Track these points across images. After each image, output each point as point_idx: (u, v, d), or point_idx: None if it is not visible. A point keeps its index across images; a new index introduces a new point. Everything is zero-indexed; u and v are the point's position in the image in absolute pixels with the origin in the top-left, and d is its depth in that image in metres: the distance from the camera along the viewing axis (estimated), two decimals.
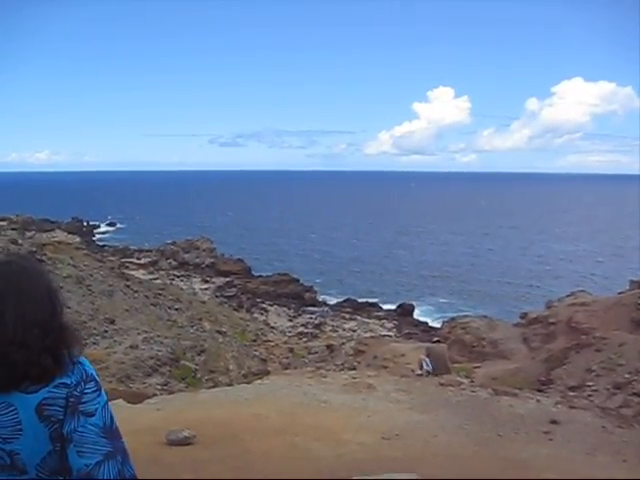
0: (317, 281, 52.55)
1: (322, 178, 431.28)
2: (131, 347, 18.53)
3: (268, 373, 19.22)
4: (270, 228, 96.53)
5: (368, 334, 35.66)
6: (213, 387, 15.30)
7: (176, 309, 27.70)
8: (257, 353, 25.59)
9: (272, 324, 38.47)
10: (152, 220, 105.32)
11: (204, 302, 34.78)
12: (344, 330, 38.28)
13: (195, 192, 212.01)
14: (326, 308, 44.44)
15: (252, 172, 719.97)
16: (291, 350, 28.75)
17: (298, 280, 49.03)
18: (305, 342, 33.48)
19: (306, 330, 37.83)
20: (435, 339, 14.09)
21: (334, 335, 36.32)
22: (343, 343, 28.20)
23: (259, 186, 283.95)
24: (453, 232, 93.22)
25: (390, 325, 40.53)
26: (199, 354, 20.63)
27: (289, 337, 35.05)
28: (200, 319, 27.54)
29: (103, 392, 1.68)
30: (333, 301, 47.29)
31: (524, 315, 26.11)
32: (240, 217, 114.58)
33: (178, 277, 50.03)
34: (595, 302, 23.48)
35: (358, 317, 41.80)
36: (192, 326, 25.75)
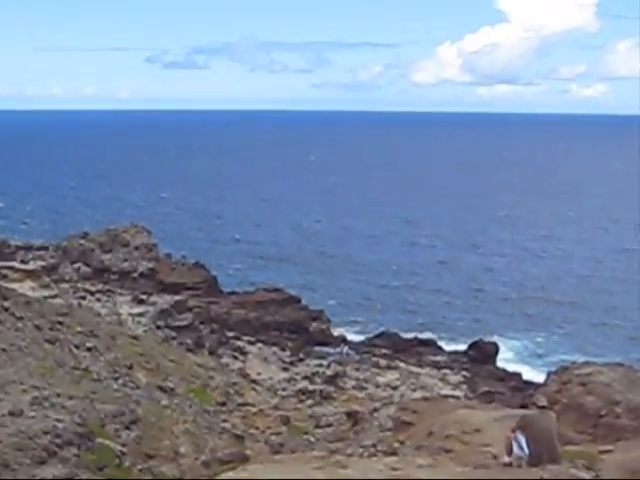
0: (330, 303, 52.75)
1: (339, 123, 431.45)
2: (11, 414, 18.60)
3: (247, 460, 19.27)
4: (247, 212, 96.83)
5: (419, 393, 35.68)
6: None
7: (89, 349, 27.82)
8: (228, 425, 25.65)
9: (254, 375, 38.60)
10: (47, 196, 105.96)
11: (137, 337, 34.91)
12: (378, 387, 38.39)
13: (121, 146, 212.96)
14: (346, 348, 44.54)
15: (218, 112, 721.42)
16: (286, 421, 28.82)
17: (299, 300, 49.14)
18: (310, 407, 33.55)
19: (312, 386, 37.96)
20: (535, 402, 13.94)
21: (360, 395, 36.40)
22: (376, 409, 28.25)
23: (229, 136, 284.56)
24: (565, 220, 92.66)
25: (457, 378, 40.59)
26: (128, 427, 20.65)
27: (283, 398, 35.11)
28: (130, 366, 27.65)
29: None
30: (359, 337, 47.40)
31: None
32: (196, 192, 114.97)
33: (92, 294, 50.22)
34: None
35: (402, 364, 41.89)
36: (116, 378, 25.88)
